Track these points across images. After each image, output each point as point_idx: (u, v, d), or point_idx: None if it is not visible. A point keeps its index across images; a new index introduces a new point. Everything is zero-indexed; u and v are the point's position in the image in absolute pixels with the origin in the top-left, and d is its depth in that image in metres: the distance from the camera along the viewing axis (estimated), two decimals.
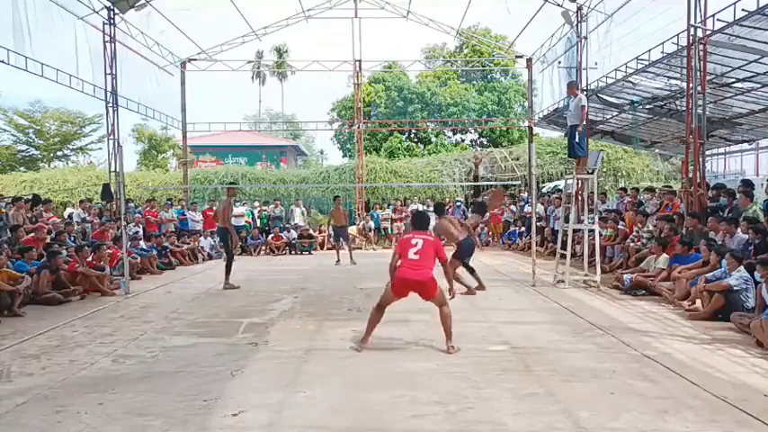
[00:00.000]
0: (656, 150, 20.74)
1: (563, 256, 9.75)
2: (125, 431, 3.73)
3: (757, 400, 4.06)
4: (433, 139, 31.63)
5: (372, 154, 27.50)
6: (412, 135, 31.44)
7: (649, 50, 11.81)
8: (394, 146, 29.73)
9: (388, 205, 18.92)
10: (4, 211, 10.83)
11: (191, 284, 10.51)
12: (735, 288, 6.54)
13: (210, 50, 19.07)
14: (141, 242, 12.77)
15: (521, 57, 20.84)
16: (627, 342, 5.70)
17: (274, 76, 51.36)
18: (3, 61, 10.97)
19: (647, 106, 14.86)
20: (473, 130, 32.47)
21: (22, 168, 29.31)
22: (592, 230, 9.75)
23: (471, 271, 8.93)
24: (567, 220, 10.24)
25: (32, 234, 9.89)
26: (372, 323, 5.64)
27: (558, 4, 15.06)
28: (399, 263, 5.49)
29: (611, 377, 4.65)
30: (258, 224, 17.57)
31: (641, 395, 4.21)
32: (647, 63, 12.14)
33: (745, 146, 19.31)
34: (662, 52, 11.36)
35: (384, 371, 4.90)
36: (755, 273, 6.33)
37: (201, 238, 15.35)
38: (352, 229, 17.27)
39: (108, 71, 14.56)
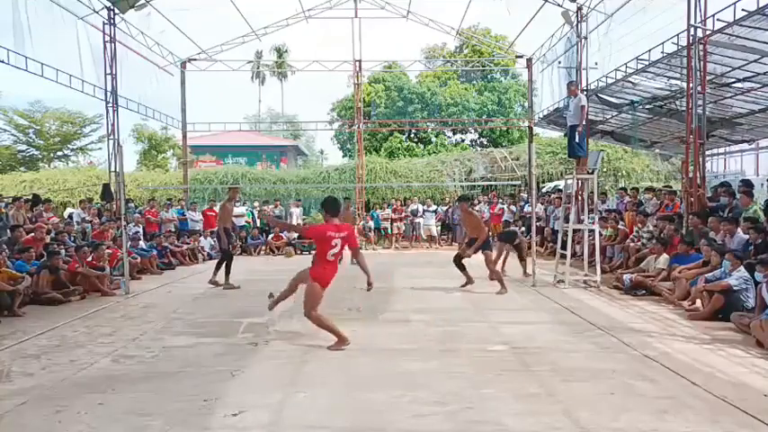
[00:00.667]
0: (656, 150, 20.74)
1: (563, 256, 9.76)
2: (125, 431, 3.74)
3: (757, 400, 4.07)
4: (433, 139, 31.60)
5: (372, 154, 27.48)
6: (412, 135, 31.42)
7: (649, 50, 11.81)
8: (394, 146, 29.71)
9: (388, 205, 18.92)
10: (4, 211, 10.84)
11: (191, 284, 10.51)
12: (735, 288, 6.54)
13: (210, 50, 19.07)
14: (141, 242, 12.77)
15: (521, 57, 20.83)
16: (627, 342, 5.70)
17: (274, 76, 51.34)
18: (3, 61, 10.97)
19: (647, 106, 14.86)
20: (473, 130, 32.45)
21: (22, 168, 29.30)
22: (592, 230, 9.75)
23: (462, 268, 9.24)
24: (567, 220, 10.24)
25: (32, 234, 9.89)
26: (329, 324, 5.72)
27: (558, 5, 15.05)
28: (315, 258, 5.68)
29: (611, 377, 4.65)
30: (258, 224, 17.56)
31: (641, 395, 4.22)
32: (647, 63, 12.13)
33: (745, 146, 19.31)
34: (662, 52, 11.36)
35: (384, 371, 4.90)
36: (755, 273, 6.34)
37: (201, 238, 15.34)
38: None
39: (108, 71, 14.55)
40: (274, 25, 19.32)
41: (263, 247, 16.70)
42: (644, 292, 8.51)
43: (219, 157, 34.47)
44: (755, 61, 10.88)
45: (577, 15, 14.83)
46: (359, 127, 20.77)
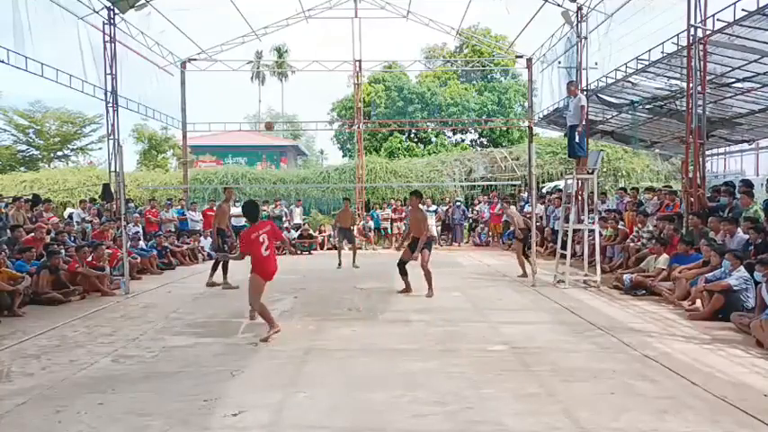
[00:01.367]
0: (656, 150, 20.73)
1: (563, 256, 9.76)
2: (125, 431, 3.74)
3: (757, 400, 4.07)
4: (433, 139, 31.62)
5: (372, 154, 27.49)
6: (412, 135, 31.43)
7: (649, 50, 11.80)
8: (394, 146, 29.71)
9: (388, 205, 18.92)
10: (4, 211, 10.84)
11: (191, 284, 10.51)
12: (735, 288, 6.54)
13: (210, 50, 19.07)
14: (141, 242, 12.76)
15: (521, 57, 20.83)
16: (627, 342, 5.70)
17: (274, 76, 51.37)
18: (3, 61, 10.96)
19: (647, 106, 14.85)
20: (473, 130, 32.45)
21: (22, 168, 29.29)
22: (592, 230, 9.75)
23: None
24: (567, 220, 10.24)
25: (32, 234, 9.89)
26: (269, 315, 6.12)
27: (558, 4, 15.05)
28: (252, 261, 6.13)
29: (611, 377, 4.65)
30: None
31: (641, 395, 4.22)
32: (647, 63, 12.13)
33: (745, 146, 19.28)
34: (662, 52, 11.35)
35: (384, 371, 4.90)
36: (755, 272, 6.34)
37: (201, 238, 15.33)
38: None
39: (108, 71, 14.54)
40: (274, 25, 19.33)
41: None
42: (644, 292, 8.51)
43: (219, 157, 34.47)
44: (755, 61, 10.88)
45: (577, 15, 14.83)
46: (359, 127, 20.78)
